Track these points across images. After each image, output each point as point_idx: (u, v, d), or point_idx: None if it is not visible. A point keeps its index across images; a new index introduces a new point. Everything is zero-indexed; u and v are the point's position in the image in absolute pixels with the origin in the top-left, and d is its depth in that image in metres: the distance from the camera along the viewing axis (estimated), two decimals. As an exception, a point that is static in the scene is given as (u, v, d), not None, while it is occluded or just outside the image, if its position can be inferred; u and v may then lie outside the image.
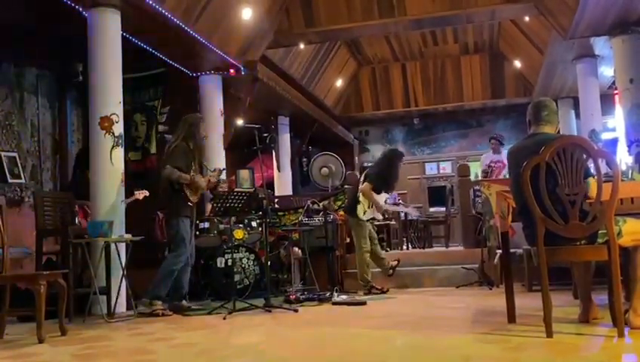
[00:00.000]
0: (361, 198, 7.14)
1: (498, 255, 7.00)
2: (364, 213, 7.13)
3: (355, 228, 7.22)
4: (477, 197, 8.61)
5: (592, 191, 3.55)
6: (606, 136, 9.90)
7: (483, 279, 7.17)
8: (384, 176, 7.25)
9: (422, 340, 3.91)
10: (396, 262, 7.44)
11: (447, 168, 15.46)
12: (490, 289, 6.87)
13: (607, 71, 10.36)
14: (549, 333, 3.49)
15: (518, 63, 12.98)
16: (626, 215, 3.76)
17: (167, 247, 6.44)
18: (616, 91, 9.26)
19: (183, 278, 6.01)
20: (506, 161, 8.81)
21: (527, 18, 10.01)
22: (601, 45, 9.26)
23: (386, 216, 8.40)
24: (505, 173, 8.95)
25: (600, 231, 3.60)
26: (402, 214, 10.27)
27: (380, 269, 7.35)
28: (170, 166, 5.85)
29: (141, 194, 6.56)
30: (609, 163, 3.68)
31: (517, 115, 13.73)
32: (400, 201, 10.35)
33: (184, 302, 6.05)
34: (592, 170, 3.63)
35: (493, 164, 9.20)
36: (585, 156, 3.55)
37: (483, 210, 7.71)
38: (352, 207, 7.25)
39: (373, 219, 7.32)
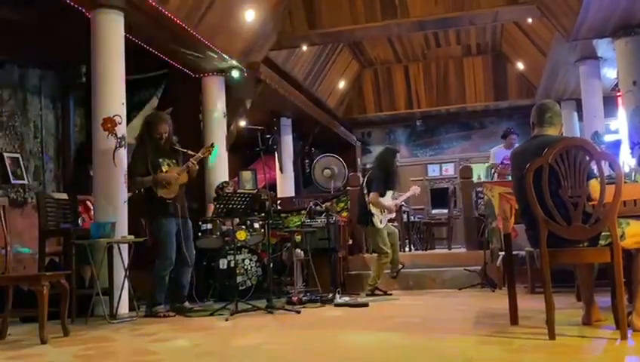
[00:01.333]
0: (373, 209, 7.08)
1: (501, 257, 6.99)
2: (381, 222, 7.11)
3: (373, 236, 7.16)
4: (479, 199, 8.59)
5: (594, 192, 3.55)
6: (609, 138, 9.86)
7: (485, 281, 7.16)
8: (385, 179, 7.24)
9: (424, 342, 3.91)
10: (401, 266, 7.43)
11: (449, 170, 15.43)
12: (493, 291, 6.87)
13: (610, 73, 10.34)
14: (552, 335, 3.49)
15: (520, 65, 12.96)
16: (629, 217, 3.76)
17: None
18: (619, 93, 9.25)
19: (182, 280, 6.00)
20: None
21: (529, 20, 10.00)
22: (604, 47, 9.24)
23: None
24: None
25: (603, 234, 3.60)
26: (405, 216, 10.24)
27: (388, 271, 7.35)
28: (132, 178, 5.88)
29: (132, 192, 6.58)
30: (612, 165, 3.68)
31: (520, 117, 13.71)
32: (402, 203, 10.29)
33: (186, 304, 6.04)
34: (595, 172, 3.63)
35: (506, 161, 8.73)
36: (588, 158, 3.55)
37: (485, 212, 7.70)
38: (365, 218, 7.16)
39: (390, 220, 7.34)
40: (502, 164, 8.80)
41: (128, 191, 6.16)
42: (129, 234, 6.10)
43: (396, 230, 7.48)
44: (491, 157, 9.26)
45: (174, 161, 6.07)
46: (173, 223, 5.90)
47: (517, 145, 8.90)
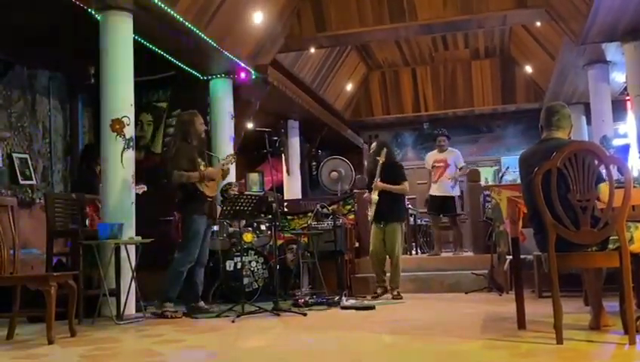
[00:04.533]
0: None
1: (508, 261, 6.97)
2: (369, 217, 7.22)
3: None
4: (487, 202, 8.56)
5: (604, 196, 3.53)
6: (617, 142, 9.82)
7: (492, 285, 7.13)
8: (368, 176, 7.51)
9: (430, 345, 3.90)
10: (381, 291, 7.09)
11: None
12: (500, 295, 6.84)
13: (618, 77, 10.31)
14: (560, 340, 3.47)
15: (529, 68, 12.94)
16: (638, 221, 3.74)
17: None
18: (627, 97, 9.21)
19: (197, 279, 6.02)
20: (450, 161, 8.79)
21: (538, 23, 9.98)
22: (612, 51, 9.21)
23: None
24: (448, 173, 8.82)
25: (611, 238, 3.58)
26: (412, 218, 10.22)
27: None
28: (177, 171, 5.87)
29: (140, 189, 6.60)
30: (621, 169, 3.66)
31: (527, 121, 13.67)
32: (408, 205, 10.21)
33: (201, 304, 6.04)
34: (604, 176, 3.62)
35: (436, 164, 8.94)
36: (597, 162, 3.53)
37: (493, 216, 7.67)
38: None
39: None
40: (432, 168, 8.87)
41: (169, 181, 6.07)
42: (149, 231, 6.13)
43: (391, 232, 6.99)
44: (426, 160, 9.28)
45: (204, 161, 6.14)
46: (204, 222, 5.98)
47: (447, 146, 8.96)
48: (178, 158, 5.93)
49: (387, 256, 7.09)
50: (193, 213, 5.91)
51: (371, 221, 7.14)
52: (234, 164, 6.75)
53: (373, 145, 7.44)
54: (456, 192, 9.00)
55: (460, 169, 8.97)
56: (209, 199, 6.01)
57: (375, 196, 7.01)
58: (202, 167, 6.00)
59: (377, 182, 7.02)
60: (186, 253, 5.86)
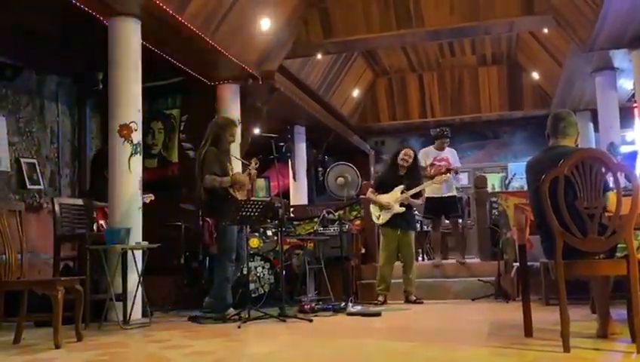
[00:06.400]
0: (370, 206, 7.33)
1: (515, 268, 6.95)
2: (379, 218, 7.17)
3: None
4: (493, 209, 8.52)
5: (611, 205, 3.53)
6: (625, 149, 9.80)
7: (499, 292, 7.11)
8: (382, 175, 7.59)
9: (437, 352, 3.89)
10: (382, 298, 7.13)
11: (463, 179, 15.36)
12: (507, 302, 6.82)
13: (626, 84, 10.28)
14: (567, 348, 3.46)
15: (535, 75, 12.92)
16: (645, 229, 3.73)
17: (210, 254, 6.28)
18: (635, 104, 9.19)
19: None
20: (451, 161, 8.35)
21: (545, 30, 9.97)
22: (620, 58, 9.19)
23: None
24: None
25: (619, 245, 3.57)
26: (418, 225, 10.19)
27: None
28: (208, 175, 5.85)
29: (147, 198, 6.61)
30: (628, 176, 3.66)
31: (534, 127, 13.64)
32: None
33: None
34: (611, 184, 3.61)
35: (437, 162, 8.31)
36: (604, 169, 3.53)
37: (499, 223, 7.65)
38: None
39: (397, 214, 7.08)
40: (431, 166, 8.25)
41: (205, 185, 5.95)
42: (157, 236, 6.14)
43: (409, 240, 7.16)
44: (422, 157, 8.26)
45: (231, 166, 6.16)
46: (235, 227, 5.99)
47: (447, 147, 8.46)
48: (209, 162, 5.90)
49: (395, 263, 7.19)
50: (226, 218, 5.91)
51: (381, 224, 7.17)
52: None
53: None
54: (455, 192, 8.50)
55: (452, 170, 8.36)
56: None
57: (402, 209, 7.05)
58: (231, 172, 6.02)
59: (409, 197, 7.04)
60: (225, 257, 5.87)
